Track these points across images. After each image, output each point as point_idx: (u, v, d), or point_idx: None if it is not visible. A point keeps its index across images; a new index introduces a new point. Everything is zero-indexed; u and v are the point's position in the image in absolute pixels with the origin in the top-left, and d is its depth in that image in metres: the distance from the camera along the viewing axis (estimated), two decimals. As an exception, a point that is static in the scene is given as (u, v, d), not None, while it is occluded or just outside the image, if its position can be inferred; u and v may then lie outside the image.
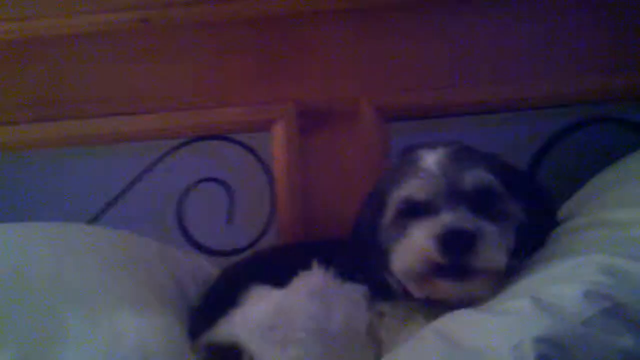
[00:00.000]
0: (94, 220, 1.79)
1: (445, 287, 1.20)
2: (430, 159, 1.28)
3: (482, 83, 1.74)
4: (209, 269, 1.60)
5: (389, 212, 1.29)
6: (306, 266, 1.34)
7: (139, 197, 1.81)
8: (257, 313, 1.25)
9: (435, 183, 1.25)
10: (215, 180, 1.81)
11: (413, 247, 1.21)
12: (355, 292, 1.32)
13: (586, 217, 1.27)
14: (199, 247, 1.82)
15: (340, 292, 1.31)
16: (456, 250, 1.17)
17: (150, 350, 1.02)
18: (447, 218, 1.20)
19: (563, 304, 0.99)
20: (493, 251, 1.18)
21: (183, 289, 1.45)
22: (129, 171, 1.81)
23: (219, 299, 1.37)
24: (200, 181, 1.81)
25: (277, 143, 1.76)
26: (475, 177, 1.25)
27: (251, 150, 1.80)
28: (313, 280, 1.32)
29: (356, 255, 1.35)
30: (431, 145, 1.33)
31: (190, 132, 1.79)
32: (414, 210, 1.25)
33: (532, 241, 1.28)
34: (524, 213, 1.27)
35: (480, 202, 1.23)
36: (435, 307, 1.20)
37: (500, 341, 0.98)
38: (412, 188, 1.27)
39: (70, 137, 1.78)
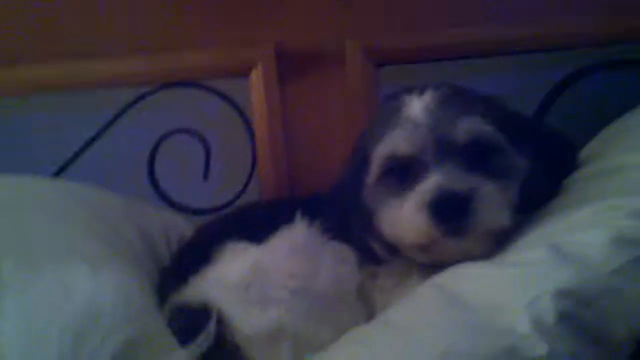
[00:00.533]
0: (57, 174, 1.65)
1: (447, 248, 1.07)
2: (416, 106, 1.14)
3: (484, 23, 1.60)
4: (183, 227, 1.51)
5: (373, 172, 1.16)
6: (289, 222, 1.23)
7: (107, 151, 1.67)
8: (232, 271, 1.16)
9: (421, 135, 1.10)
10: (189, 132, 1.67)
11: (403, 222, 1.09)
12: (345, 250, 1.21)
13: (609, 161, 1.12)
14: (173, 205, 1.69)
15: (328, 249, 1.20)
16: (450, 219, 1.04)
17: (104, 306, 0.92)
18: (436, 180, 1.06)
19: (587, 252, 0.88)
20: (493, 212, 1.05)
21: (153, 247, 1.36)
22: (95, 123, 1.67)
23: (191, 257, 1.27)
24: (173, 133, 1.67)
25: (256, 91, 1.63)
26: (470, 127, 1.10)
27: (228, 98, 1.65)
28: (296, 235, 1.21)
29: (340, 215, 1.23)
30: (418, 89, 1.18)
31: (159, 79, 1.64)
32: (401, 168, 1.12)
33: (542, 193, 1.14)
34: (530, 164, 1.13)
35: (476, 156, 1.09)
36: (435, 268, 1.07)
37: (513, 297, 0.87)
38: (394, 142, 1.13)
39: (24, 82, 1.62)
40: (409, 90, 1.18)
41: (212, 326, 1.04)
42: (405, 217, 1.08)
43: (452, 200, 1.04)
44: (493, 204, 1.05)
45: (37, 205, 1.26)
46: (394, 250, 1.16)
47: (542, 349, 0.80)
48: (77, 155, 1.67)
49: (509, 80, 1.62)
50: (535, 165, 1.14)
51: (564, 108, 1.63)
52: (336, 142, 1.62)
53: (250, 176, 1.69)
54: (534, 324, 0.82)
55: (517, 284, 0.87)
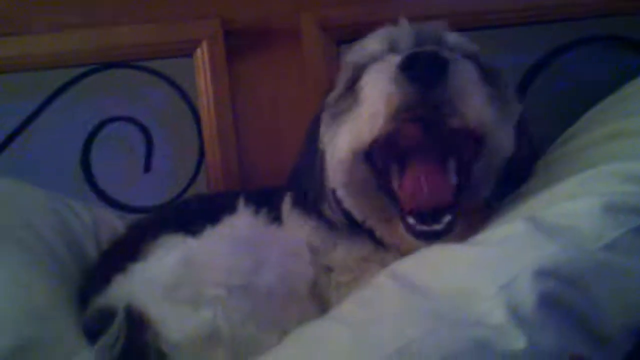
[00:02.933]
0: (-20, 169, 1.51)
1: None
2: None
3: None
4: (115, 222, 1.38)
5: (335, 91, 1.04)
6: (232, 212, 1.09)
7: (34, 142, 1.54)
8: (160, 267, 1.02)
9: (400, 28, 1.00)
10: (128, 119, 1.52)
11: (361, 111, 0.93)
12: (295, 241, 1.07)
13: (596, 132, 1.00)
14: (111, 202, 1.55)
15: (275, 240, 1.06)
16: (426, 77, 0.86)
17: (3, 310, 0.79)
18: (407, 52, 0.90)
19: (574, 223, 0.74)
20: (474, 96, 0.89)
21: (77, 245, 1.23)
22: (20, 111, 1.52)
23: (119, 254, 1.13)
24: (109, 121, 1.52)
25: (201, 72, 1.49)
26: (459, 40, 0.99)
27: (170, 81, 1.51)
28: (238, 225, 1.06)
29: (295, 190, 1.11)
30: None
31: (92, 58, 1.49)
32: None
33: (515, 173, 1.00)
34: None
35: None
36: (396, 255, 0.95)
37: (483, 280, 0.72)
38: (364, 44, 1.02)
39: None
40: None
41: (116, 325, 0.86)
42: (361, 102, 0.93)
43: (429, 56, 0.87)
44: (478, 90, 0.89)
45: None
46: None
47: (519, 340, 0.67)
48: (2, 146, 1.52)
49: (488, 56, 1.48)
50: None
51: (543, 87, 1.51)
52: (292, 128, 1.47)
53: (198, 167, 1.55)
54: (508, 310, 0.68)
55: (488, 265, 0.73)
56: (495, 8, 1.46)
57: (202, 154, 1.53)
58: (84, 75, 1.51)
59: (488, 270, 0.72)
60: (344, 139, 0.96)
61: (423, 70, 0.86)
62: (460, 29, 1.42)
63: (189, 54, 1.49)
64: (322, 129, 1.04)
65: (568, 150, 1.02)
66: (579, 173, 0.85)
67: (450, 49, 0.94)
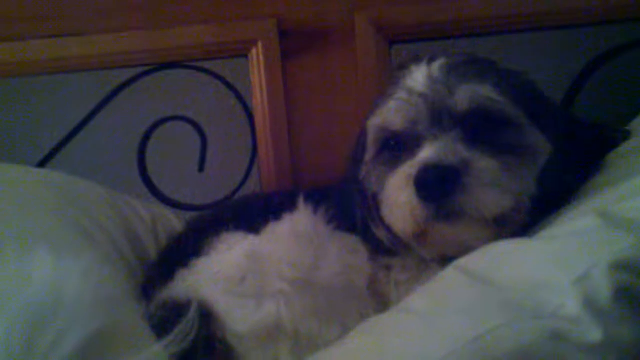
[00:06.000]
0: (40, 164, 1.53)
1: (442, 236, 0.95)
2: (418, 74, 1.02)
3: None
4: (174, 221, 1.39)
5: (368, 147, 1.05)
6: (290, 210, 1.10)
7: (93, 140, 1.54)
8: (224, 262, 1.04)
9: (415, 104, 0.98)
10: (182, 118, 1.52)
11: (391, 204, 0.97)
12: (353, 240, 1.08)
13: None
14: (165, 199, 1.56)
15: (334, 237, 1.07)
16: (436, 194, 0.90)
17: (66, 293, 0.79)
18: (424, 154, 0.93)
19: None
20: (491, 190, 0.90)
21: (137, 240, 1.27)
22: (80, 109, 1.53)
23: (180, 249, 1.14)
24: (165, 120, 1.53)
25: (255, 71, 1.49)
26: (471, 93, 0.97)
27: (225, 81, 1.50)
28: (298, 222, 1.08)
29: (346, 202, 1.11)
30: (428, 56, 1.05)
31: (148, 59, 1.50)
32: (395, 143, 1.01)
33: (566, 183, 0.99)
34: (552, 147, 0.98)
35: (480, 128, 0.96)
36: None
37: (557, 272, 0.72)
38: (385, 114, 1.02)
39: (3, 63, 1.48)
40: (418, 59, 1.05)
41: (189, 318, 0.88)
42: (392, 197, 0.97)
43: (437, 173, 0.90)
44: (492, 181, 0.91)
45: (6, 191, 1.15)
46: (401, 241, 1.02)
47: (595, 333, 0.66)
48: (61, 144, 1.54)
49: (539, 58, 1.49)
50: (560, 151, 0.99)
51: (595, 90, 1.49)
52: (344, 127, 1.48)
53: (250, 166, 1.56)
54: (584, 303, 0.67)
55: (562, 257, 0.72)
56: (550, 9, 1.45)
57: (254, 153, 1.54)
58: (141, 75, 1.52)
59: (561, 263, 0.71)
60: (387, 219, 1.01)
61: (435, 192, 0.90)
62: (513, 30, 1.45)
63: (244, 53, 1.50)
64: (363, 175, 1.07)
65: (626, 151, 1.01)
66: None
67: (467, 99, 0.95)
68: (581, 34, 1.48)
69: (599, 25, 1.47)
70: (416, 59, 1.05)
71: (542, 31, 1.48)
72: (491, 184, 0.91)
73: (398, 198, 0.95)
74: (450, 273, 0.85)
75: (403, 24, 1.48)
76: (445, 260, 0.94)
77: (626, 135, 1.05)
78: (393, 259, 1.06)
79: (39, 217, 1.07)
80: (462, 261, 0.86)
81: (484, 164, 0.91)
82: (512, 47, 1.48)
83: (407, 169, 0.94)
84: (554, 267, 0.72)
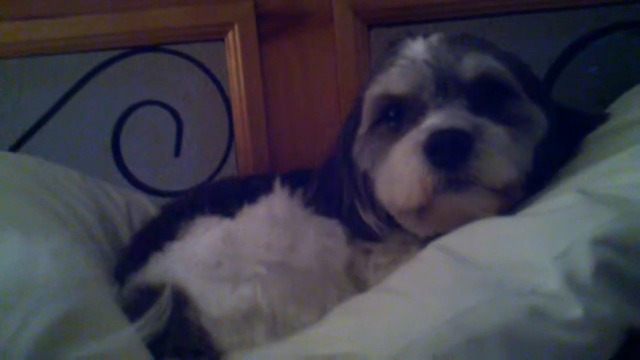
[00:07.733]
0: (12, 150, 1.50)
1: (448, 208, 0.91)
2: (418, 45, 1.00)
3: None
4: (149, 206, 1.37)
5: (365, 118, 1.02)
6: (267, 194, 1.09)
7: (66, 125, 1.54)
8: (200, 245, 1.02)
9: (419, 70, 0.96)
10: (158, 103, 1.50)
11: (394, 174, 0.93)
12: (331, 224, 1.05)
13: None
14: (141, 186, 1.53)
15: (311, 220, 1.05)
16: (449, 159, 0.87)
17: (36, 274, 0.78)
18: (434, 120, 0.90)
19: (629, 195, 0.71)
20: (502, 158, 0.88)
21: (111, 224, 1.24)
22: (53, 93, 1.50)
23: (155, 233, 1.11)
24: (139, 105, 1.50)
25: (232, 55, 1.45)
26: (478, 61, 0.95)
27: (201, 65, 1.47)
28: (274, 205, 1.06)
29: (326, 186, 1.08)
30: (426, 33, 1.04)
31: (122, 42, 1.46)
32: (396, 112, 0.98)
33: (557, 157, 0.99)
34: (546, 121, 0.97)
35: (485, 97, 0.94)
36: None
37: (536, 249, 0.71)
38: (387, 80, 0.98)
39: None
40: (412, 35, 1.04)
41: (163, 301, 0.86)
42: (396, 167, 0.93)
43: (451, 137, 0.87)
44: (502, 148, 0.89)
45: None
46: (390, 222, 1.01)
47: (576, 309, 0.65)
48: (34, 129, 1.51)
49: (518, 42, 1.48)
50: (551, 125, 0.98)
51: (573, 75, 1.48)
52: (322, 113, 1.46)
53: (227, 152, 1.53)
54: (565, 279, 0.66)
55: (542, 234, 0.71)
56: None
57: (231, 138, 1.51)
58: (115, 59, 1.49)
59: (542, 240, 0.70)
60: (385, 196, 0.97)
61: (449, 157, 0.87)
62: (493, 14, 1.44)
63: (220, 37, 1.46)
64: (356, 151, 1.04)
65: (607, 131, 1.00)
66: (628, 148, 0.83)
67: (474, 67, 0.94)
68: (561, 17, 1.48)
69: (579, 9, 1.46)
70: (410, 35, 1.04)
71: (522, 14, 1.46)
72: (503, 152, 0.89)
73: (403, 168, 0.91)
74: (430, 252, 0.84)
75: (382, 7, 1.45)
76: (429, 241, 0.92)
77: (602, 119, 1.05)
78: (372, 243, 1.04)
79: (10, 200, 1.03)
80: (442, 240, 0.85)
81: (496, 131, 0.90)
82: (491, 31, 1.48)
83: (416, 135, 0.90)
84: (534, 244, 0.71)
